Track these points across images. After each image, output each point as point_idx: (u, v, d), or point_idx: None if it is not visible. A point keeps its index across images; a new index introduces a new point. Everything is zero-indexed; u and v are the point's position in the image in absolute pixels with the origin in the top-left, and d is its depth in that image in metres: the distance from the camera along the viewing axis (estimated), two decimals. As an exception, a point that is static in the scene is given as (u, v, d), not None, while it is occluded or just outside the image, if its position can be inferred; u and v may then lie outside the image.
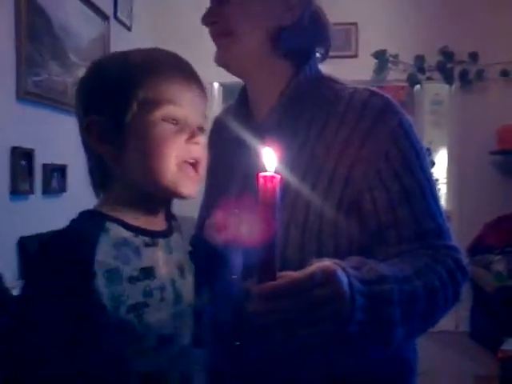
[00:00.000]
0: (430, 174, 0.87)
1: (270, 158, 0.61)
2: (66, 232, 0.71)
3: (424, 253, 0.80)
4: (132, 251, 0.72)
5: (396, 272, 0.72)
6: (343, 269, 0.65)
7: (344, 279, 0.64)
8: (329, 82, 0.95)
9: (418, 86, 3.69)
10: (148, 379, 0.71)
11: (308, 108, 0.91)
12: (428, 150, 3.61)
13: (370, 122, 0.85)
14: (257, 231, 0.61)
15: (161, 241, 0.78)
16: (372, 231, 0.84)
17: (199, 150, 0.76)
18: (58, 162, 2.44)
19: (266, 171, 0.60)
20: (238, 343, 0.87)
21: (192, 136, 0.75)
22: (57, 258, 0.68)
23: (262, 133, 0.90)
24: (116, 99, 0.74)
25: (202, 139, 0.78)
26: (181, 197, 0.77)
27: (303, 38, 0.91)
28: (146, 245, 0.75)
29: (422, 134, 3.50)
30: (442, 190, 3.69)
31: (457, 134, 3.62)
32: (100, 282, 0.67)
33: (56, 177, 2.42)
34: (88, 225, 0.72)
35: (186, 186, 0.76)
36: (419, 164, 0.85)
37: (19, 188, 2.14)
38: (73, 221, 0.74)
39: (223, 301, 0.85)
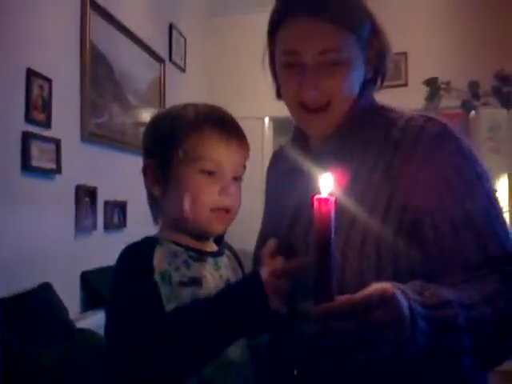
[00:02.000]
0: (495, 198, 0.84)
1: (326, 182, 0.62)
2: (133, 245, 0.83)
3: (493, 279, 0.75)
4: (182, 262, 0.82)
5: (462, 297, 0.69)
6: (403, 292, 0.63)
7: (404, 302, 0.61)
8: (384, 110, 0.95)
9: (473, 113, 3.60)
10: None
11: (363, 135, 0.91)
12: (487, 176, 3.46)
13: (428, 147, 0.84)
14: (313, 254, 0.62)
15: (209, 258, 0.86)
16: (434, 258, 0.82)
17: (230, 200, 0.85)
18: (119, 198, 2.56)
19: (320, 194, 0.61)
20: (296, 372, 0.87)
21: (224, 188, 0.83)
22: (126, 261, 0.80)
23: (317, 161, 0.91)
24: (165, 149, 0.85)
25: (235, 189, 0.86)
26: (208, 236, 0.87)
27: (377, 79, 0.95)
28: (194, 259, 0.83)
29: (479, 160, 3.37)
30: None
31: (518, 160, 3.47)
32: (156, 276, 0.77)
33: (117, 213, 2.53)
34: (147, 239, 0.84)
35: (216, 227, 0.85)
36: (481, 187, 0.82)
37: (83, 224, 2.25)
38: (139, 240, 0.85)
39: (280, 328, 0.85)
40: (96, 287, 2.22)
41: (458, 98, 3.53)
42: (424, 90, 3.54)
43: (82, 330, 1.83)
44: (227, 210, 0.85)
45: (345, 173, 0.89)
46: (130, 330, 0.73)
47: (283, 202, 1.00)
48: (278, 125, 3.99)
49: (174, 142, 0.83)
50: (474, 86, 3.50)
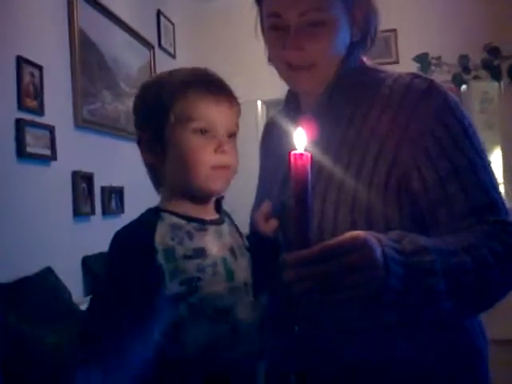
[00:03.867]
0: (481, 150, 0.85)
1: (300, 138, 0.64)
2: (132, 223, 0.84)
3: (478, 229, 0.77)
4: (185, 234, 0.82)
5: (440, 245, 0.71)
6: (378, 239, 0.65)
7: (377, 248, 0.64)
8: (373, 71, 0.96)
9: (464, 87, 3.61)
10: (206, 347, 0.77)
11: (352, 94, 0.93)
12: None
13: (415, 102, 0.86)
14: (292, 208, 0.64)
15: (211, 227, 0.86)
16: (423, 211, 0.83)
17: (227, 157, 0.85)
18: (116, 184, 2.57)
19: (295, 150, 0.63)
20: (296, 328, 0.88)
21: (219, 145, 0.84)
22: (126, 241, 0.80)
23: (308, 122, 0.92)
24: (156, 117, 0.85)
25: (231, 146, 0.86)
26: (212, 194, 0.88)
27: (366, 41, 0.95)
28: (196, 230, 0.83)
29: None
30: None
31: (510, 132, 3.49)
32: (160, 257, 0.77)
33: (114, 198, 2.54)
34: (148, 216, 0.84)
35: (217, 185, 0.85)
36: (468, 140, 0.84)
37: (81, 210, 2.26)
38: (140, 215, 0.85)
39: (278, 287, 0.87)
40: (97, 272, 2.24)
41: (448, 73, 3.55)
42: (415, 66, 3.55)
43: (86, 312, 1.85)
44: (226, 167, 0.85)
45: (334, 130, 0.91)
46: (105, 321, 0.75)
47: (276, 167, 1.02)
48: (271, 107, 3.98)
49: (164, 108, 0.84)
50: (464, 60, 3.51)
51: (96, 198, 2.40)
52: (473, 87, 3.66)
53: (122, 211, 2.61)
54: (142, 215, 0.84)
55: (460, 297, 0.70)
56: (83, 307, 1.95)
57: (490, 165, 0.86)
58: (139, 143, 0.88)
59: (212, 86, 0.86)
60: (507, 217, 0.81)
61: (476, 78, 3.54)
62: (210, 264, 0.80)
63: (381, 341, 0.82)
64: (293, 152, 0.63)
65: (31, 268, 1.90)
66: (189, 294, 0.77)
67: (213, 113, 0.84)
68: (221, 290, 0.80)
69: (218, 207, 0.91)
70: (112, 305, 0.76)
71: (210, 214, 0.88)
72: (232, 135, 0.87)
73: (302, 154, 0.62)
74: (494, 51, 3.45)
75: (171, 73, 0.89)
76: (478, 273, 0.71)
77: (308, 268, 0.61)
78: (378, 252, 0.64)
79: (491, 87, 3.70)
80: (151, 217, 0.82)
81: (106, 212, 2.47)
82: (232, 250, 0.86)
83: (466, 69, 3.51)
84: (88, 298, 2.18)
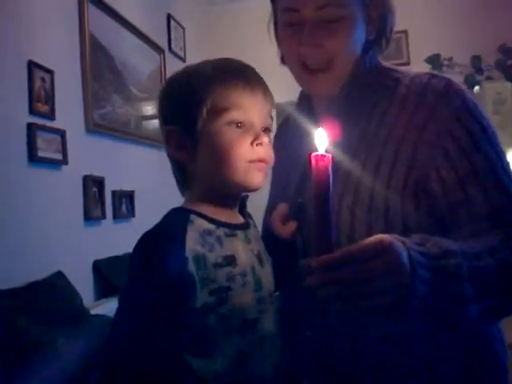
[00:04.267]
0: (501, 150, 0.83)
1: (321, 139, 0.62)
2: (160, 225, 0.78)
3: (498, 231, 0.75)
4: (215, 240, 0.78)
5: (464, 248, 0.69)
6: (403, 243, 0.63)
7: (402, 251, 0.61)
8: (389, 71, 0.95)
9: (477, 87, 3.57)
10: (234, 360, 0.74)
11: (368, 95, 0.91)
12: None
13: (432, 103, 0.84)
14: (313, 210, 0.62)
15: (239, 232, 0.82)
16: (442, 212, 0.82)
17: (264, 150, 0.81)
18: (126, 188, 2.57)
19: (316, 151, 0.61)
20: (309, 333, 0.87)
21: (256, 138, 0.79)
22: (155, 246, 0.74)
23: (328, 122, 0.91)
24: (188, 109, 0.80)
25: (267, 139, 0.82)
26: (249, 189, 0.83)
27: (381, 41, 0.93)
28: (226, 235, 0.80)
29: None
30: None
31: (524, 133, 3.44)
32: (190, 266, 0.72)
33: (125, 202, 2.54)
34: (177, 218, 0.79)
35: (253, 180, 0.81)
36: (487, 140, 0.82)
37: (92, 214, 2.26)
38: (164, 217, 0.81)
39: (295, 291, 0.85)
40: (108, 276, 2.23)
41: (461, 74, 3.51)
42: (427, 68, 3.51)
43: (96, 316, 1.85)
44: (263, 161, 0.81)
45: (351, 132, 0.89)
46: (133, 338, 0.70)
47: (291, 168, 1.00)
48: (281, 110, 3.97)
49: (197, 99, 0.78)
50: (476, 61, 3.47)
51: (107, 202, 2.40)
52: (486, 88, 3.62)
53: (133, 215, 2.61)
54: (170, 217, 0.79)
55: (486, 300, 0.68)
56: (94, 311, 1.95)
57: (508, 165, 0.84)
58: (167, 137, 0.83)
59: (247, 75, 0.82)
60: None
61: (489, 78, 3.50)
62: (239, 273, 0.77)
63: (397, 346, 0.80)
64: (314, 153, 0.61)
65: (42, 272, 1.90)
66: (218, 305, 0.73)
67: (249, 104, 0.80)
68: (249, 300, 0.77)
69: (242, 209, 0.88)
70: (140, 316, 0.71)
71: (237, 217, 0.85)
72: (266, 129, 0.83)
73: (323, 155, 0.60)
74: (507, 51, 3.41)
75: (200, 64, 0.85)
76: (503, 275, 0.69)
77: (333, 273, 0.59)
78: (404, 256, 0.61)
79: (504, 88, 3.65)
80: (181, 220, 0.77)
81: (116, 216, 2.47)
82: (259, 257, 0.83)
83: (478, 69, 3.47)
84: (99, 301, 2.18)
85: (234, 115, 0.78)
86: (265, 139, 0.80)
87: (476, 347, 0.84)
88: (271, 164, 0.84)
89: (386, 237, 0.62)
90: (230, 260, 0.77)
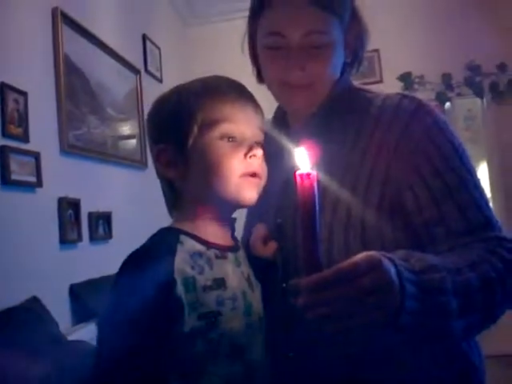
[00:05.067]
0: (472, 168, 0.86)
1: (303, 157, 0.62)
2: (148, 245, 0.76)
3: (476, 246, 0.77)
4: (205, 262, 0.76)
5: (446, 263, 0.70)
6: (389, 259, 0.64)
7: (391, 268, 0.62)
8: (361, 91, 0.98)
9: (448, 104, 3.66)
10: None
11: (343, 116, 0.93)
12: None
13: (405, 122, 0.86)
14: (300, 229, 0.62)
15: (229, 254, 0.81)
16: (418, 229, 0.83)
17: (257, 163, 0.81)
18: (103, 210, 2.53)
19: (301, 170, 0.61)
20: (291, 354, 0.86)
21: (249, 150, 0.79)
22: (142, 268, 0.71)
23: (298, 141, 0.92)
24: (178, 126, 0.79)
25: (261, 152, 0.82)
26: (242, 205, 0.82)
27: (355, 63, 0.98)
28: (217, 257, 0.78)
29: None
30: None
31: (495, 147, 3.54)
32: (179, 289, 0.70)
33: (102, 224, 2.50)
34: (166, 238, 0.77)
35: (248, 194, 0.80)
36: (459, 158, 0.84)
37: (68, 237, 2.22)
38: (152, 236, 0.79)
39: (276, 311, 0.85)
40: (85, 300, 2.18)
41: (432, 91, 3.60)
42: (399, 85, 3.60)
43: (73, 342, 1.80)
44: (256, 175, 0.80)
45: (326, 151, 0.90)
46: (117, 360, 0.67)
47: (267, 189, 1.00)
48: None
49: (187, 114, 0.78)
50: (447, 78, 3.57)
51: (83, 224, 2.35)
52: (456, 105, 3.73)
53: (110, 237, 2.57)
54: (159, 236, 0.77)
55: (470, 314, 0.69)
56: (71, 337, 1.90)
57: (479, 182, 0.86)
58: (157, 156, 0.82)
59: (237, 89, 0.83)
60: (500, 233, 0.81)
61: (459, 95, 3.60)
62: (229, 297, 0.75)
63: (378, 357, 0.79)
64: (298, 172, 0.61)
65: (16, 298, 1.84)
66: (207, 330, 0.71)
67: (240, 117, 0.80)
68: (238, 325, 0.75)
69: (231, 232, 0.87)
70: (124, 340, 0.67)
71: (227, 238, 0.84)
72: (259, 143, 0.83)
73: (308, 174, 0.61)
74: (475, 68, 3.52)
75: (189, 82, 0.85)
76: (484, 289, 0.71)
77: (323, 293, 0.59)
78: (393, 272, 0.62)
79: (474, 104, 3.76)
80: (170, 240, 0.75)
81: (93, 238, 2.42)
82: (249, 280, 0.82)
83: (449, 86, 3.57)
84: (76, 326, 2.12)
85: (226, 128, 0.78)
86: (258, 152, 0.80)
87: (453, 360, 0.84)
88: (264, 180, 0.84)
89: (374, 253, 0.62)
90: (220, 283, 0.75)
